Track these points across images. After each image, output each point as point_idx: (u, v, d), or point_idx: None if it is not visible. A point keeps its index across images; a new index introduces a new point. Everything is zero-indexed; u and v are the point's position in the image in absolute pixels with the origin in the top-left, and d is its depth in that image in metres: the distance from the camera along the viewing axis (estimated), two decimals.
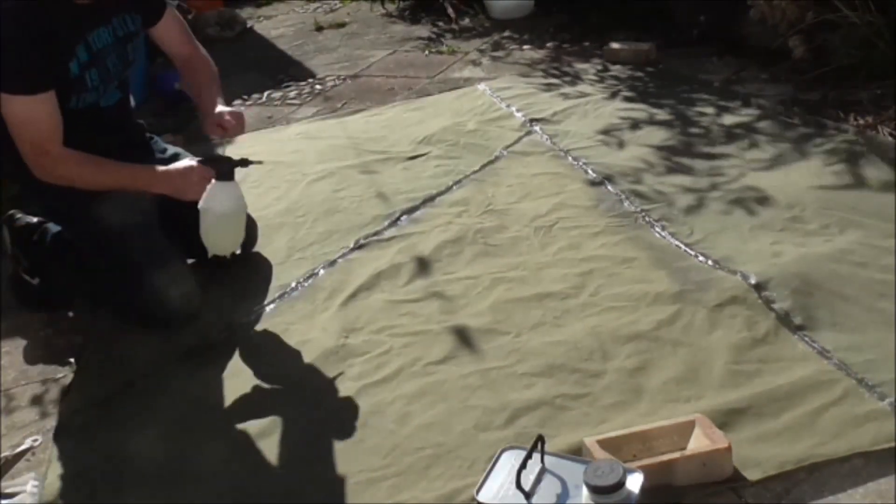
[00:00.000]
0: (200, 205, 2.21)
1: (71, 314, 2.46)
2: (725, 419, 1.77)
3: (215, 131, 2.35)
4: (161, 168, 2.28)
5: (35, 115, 2.13)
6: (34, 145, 2.15)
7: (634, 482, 1.49)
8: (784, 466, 1.65)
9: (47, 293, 2.44)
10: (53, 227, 2.43)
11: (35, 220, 2.45)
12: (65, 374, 2.20)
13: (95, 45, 2.24)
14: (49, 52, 2.12)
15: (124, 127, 2.47)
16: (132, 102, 2.63)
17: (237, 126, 2.34)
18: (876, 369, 1.88)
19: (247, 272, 2.53)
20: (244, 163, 2.25)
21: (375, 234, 2.70)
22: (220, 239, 2.30)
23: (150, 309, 2.26)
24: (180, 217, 2.32)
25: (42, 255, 2.41)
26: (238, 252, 2.38)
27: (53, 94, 2.14)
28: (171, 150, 2.57)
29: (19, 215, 2.44)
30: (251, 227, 2.60)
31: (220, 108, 2.36)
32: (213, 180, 2.20)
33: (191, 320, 2.30)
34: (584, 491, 1.47)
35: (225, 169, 2.23)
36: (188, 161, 2.30)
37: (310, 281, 2.48)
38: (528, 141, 3.31)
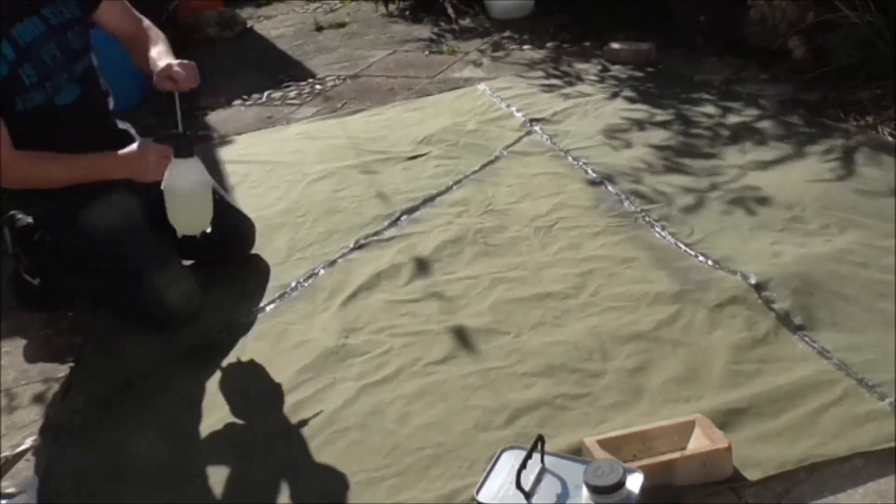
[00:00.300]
0: (163, 185, 2.12)
1: (71, 314, 2.46)
2: (725, 419, 1.77)
3: (165, 84, 2.21)
4: (117, 153, 2.20)
5: None
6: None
7: (634, 482, 1.49)
8: (784, 466, 1.65)
9: (47, 293, 2.44)
10: None
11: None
12: (65, 374, 2.20)
13: (23, 39, 2.15)
14: None
15: (93, 125, 2.39)
16: (111, 101, 2.52)
17: (188, 77, 2.20)
18: (876, 369, 1.88)
19: (247, 272, 2.54)
20: (204, 138, 2.15)
21: (375, 234, 2.70)
22: (186, 218, 2.19)
23: (151, 310, 2.26)
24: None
25: (43, 254, 2.40)
26: (209, 231, 2.22)
27: None
28: None
29: (20, 215, 2.44)
30: (248, 227, 2.61)
31: (168, 60, 2.25)
32: (173, 158, 2.11)
33: (191, 320, 2.30)
34: (584, 491, 1.47)
35: (182, 145, 2.12)
36: (143, 142, 2.21)
37: (310, 281, 2.48)
38: (528, 141, 3.32)
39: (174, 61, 2.24)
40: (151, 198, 2.22)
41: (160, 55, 2.31)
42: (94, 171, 2.21)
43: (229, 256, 2.55)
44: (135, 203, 2.33)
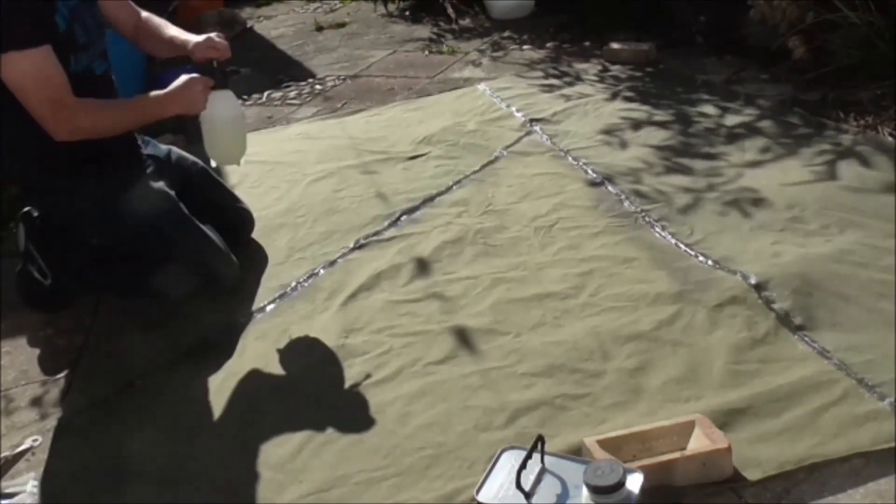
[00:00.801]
0: (202, 115, 2.28)
1: (71, 314, 2.46)
2: (725, 419, 1.77)
3: (209, 53, 2.32)
4: (167, 90, 2.29)
5: (46, 69, 2.10)
6: (52, 101, 2.12)
7: (634, 482, 1.49)
8: (784, 466, 1.65)
9: (55, 293, 2.44)
10: None
11: None
12: (65, 374, 2.20)
13: (69, 1, 2.20)
14: (35, 6, 2.10)
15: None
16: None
17: (226, 48, 2.35)
18: (876, 369, 1.88)
19: (246, 272, 2.53)
20: (234, 72, 2.35)
21: (375, 234, 2.70)
22: (226, 146, 2.35)
23: (207, 281, 2.37)
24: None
25: (59, 252, 2.41)
26: (241, 163, 2.43)
27: (51, 48, 2.12)
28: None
29: (36, 213, 2.45)
30: (245, 211, 2.68)
31: (194, 36, 2.38)
32: (211, 91, 2.27)
33: (238, 287, 2.43)
34: (584, 491, 1.47)
35: (220, 77, 2.28)
36: (185, 75, 2.29)
37: (310, 281, 2.48)
38: (527, 141, 3.32)
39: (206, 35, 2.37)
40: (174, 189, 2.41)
41: (182, 33, 2.44)
42: (151, 110, 2.32)
43: (231, 240, 2.55)
44: (166, 189, 2.42)
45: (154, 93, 2.30)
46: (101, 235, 2.39)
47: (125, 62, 2.56)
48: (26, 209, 2.46)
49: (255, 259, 2.61)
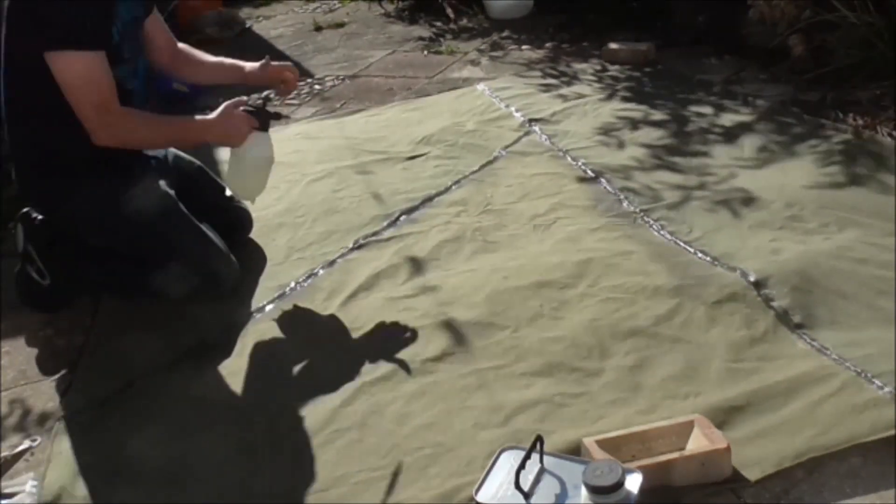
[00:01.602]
0: (237, 152, 2.36)
1: (71, 314, 2.46)
2: (724, 417, 1.77)
3: (279, 88, 2.53)
4: (209, 117, 2.34)
5: (98, 73, 2.14)
6: (99, 105, 2.16)
7: (633, 482, 1.49)
8: (783, 462, 1.65)
9: (54, 293, 2.44)
10: None
11: None
12: (65, 375, 2.20)
13: (123, 17, 2.25)
14: (101, 12, 2.16)
15: None
16: None
17: (296, 79, 2.56)
18: (875, 362, 1.89)
19: (246, 272, 2.53)
20: (277, 116, 2.44)
21: (374, 234, 2.70)
22: (250, 185, 2.46)
23: (204, 287, 2.36)
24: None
25: (58, 252, 2.41)
26: (254, 203, 2.57)
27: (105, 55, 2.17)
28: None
29: (35, 214, 2.45)
30: (244, 211, 2.70)
31: (257, 63, 2.51)
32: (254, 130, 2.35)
33: (237, 287, 2.43)
34: (583, 491, 1.47)
35: (265, 119, 2.37)
36: (228, 107, 2.35)
37: (309, 281, 2.48)
38: (526, 141, 3.32)
39: (274, 64, 2.52)
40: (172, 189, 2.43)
41: (237, 62, 2.58)
42: (191, 134, 2.41)
43: (230, 240, 2.55)
44: (166, 189, 2.43)
45: (199, 117, 2.38)
46: (101, 236, 2.39)
47: None
48: (25, 210, 2.46)
49: (253, 259, 2.60)
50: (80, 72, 2.13)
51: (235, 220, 2.68)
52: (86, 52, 2.12)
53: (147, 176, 2.44)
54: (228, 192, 2.62)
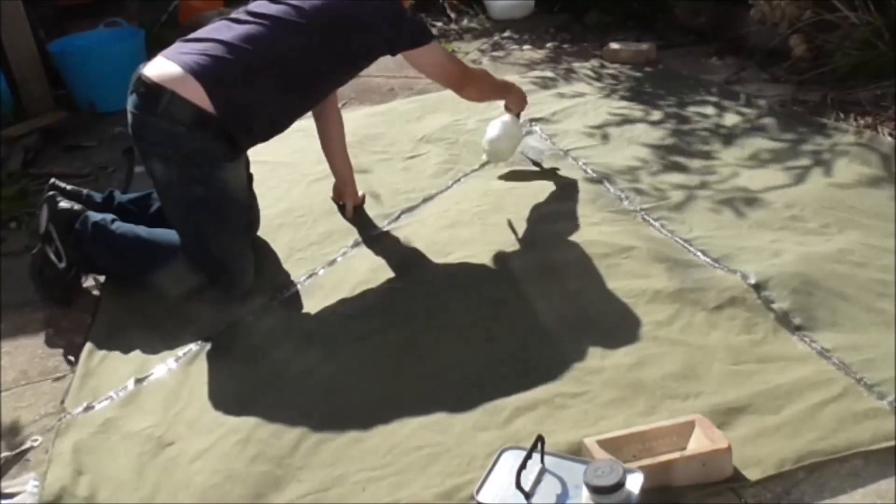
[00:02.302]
0: (507, 120, 2.90)
1: (70, 314, 2.46)
2: (724, 418, 1.77)
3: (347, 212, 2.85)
4: (514, 85, 2.91)
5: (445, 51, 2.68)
6: (462, 70, 2.64)
7: (634, 482, 1.49)
8: (784, 464, 1.65)
9: (66, 279, 2.47)
10: (94, 216, 2.46)
11: (78, 207, 2.47)
12: (65, 374, 2.20)
13: None
14: None
15: None
16: None
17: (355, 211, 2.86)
18: (875, 368, 1.89)
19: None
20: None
21: (375, 233, 2.70)
22: (510, 148, 2.94)
23: (217, 285, 2.41)
24: None
25: (83, 241, 2.43)
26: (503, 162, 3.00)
27: None
28: None
29: (60, 198, 2.47)
30: (256, 216, 2.71)
31: (350, 185, 2.90)
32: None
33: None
34: (584, 491, 1.47)
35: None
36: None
37: (310, 280, 2.48)
38: (527, 140, 3.31)
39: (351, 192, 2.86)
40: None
41: (343, 168, 2.89)
42: (500, 88, 2.88)
43: None
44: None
45: (508, 82, 2.95)
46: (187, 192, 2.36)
47: (127, 59, 2.55)
48: (50, 193, 2.47)
49: (257, 258, 2.60)
50: (443, 53, 2.64)
51: (252, 217, 2.67)
52: (435, 42, 2.61)
53: (244, 157, 2.51)
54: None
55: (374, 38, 2.45)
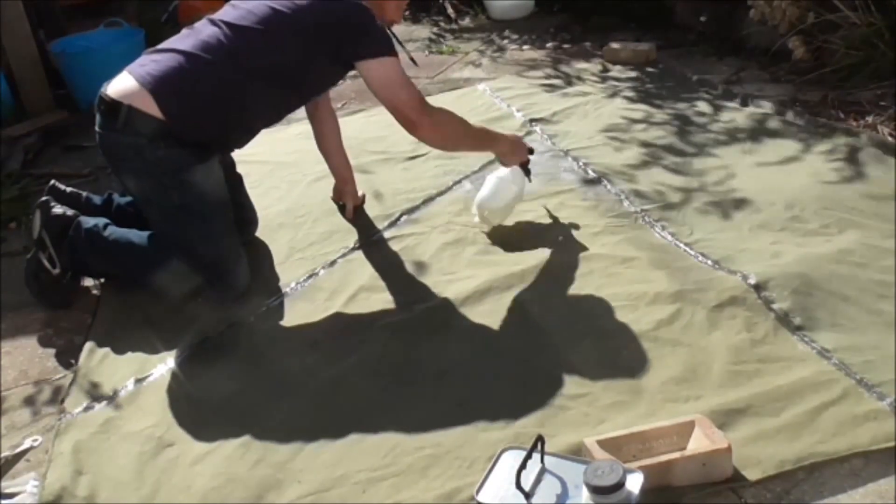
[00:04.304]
0: (503, 175, 2.60)
1: (70, 314, 2.46)
2: (725, 419, 1.77)
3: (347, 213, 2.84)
4: (502, 133, 2.63)
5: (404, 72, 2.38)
6: (420, 98, 2.37)
7: (634, 482, 1.49)
8: (784, 466, 1.65)
9: (60, 284, 2.47)
10: (86, 222, 2.45)
11: (71, 212, 2.47)
12: (64, 374, 2.20)
13: None
14: None
15: None
16: None
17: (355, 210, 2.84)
18: (875, 370, 1.89)
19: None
20: (529, 172, 2.67)
21: (375, 234, 2.70)
22: (503, 209, 2.60)
23: (214, 291, 2.40)
24: None
25: (77, 248, 2.43)
26: (495, 223, 2.65)
27: None
28: None
29: (54, 203, 2.47)
30: (253, 216, 2.72)
31: (350, 180, 2.90)
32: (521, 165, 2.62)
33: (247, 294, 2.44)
34: (584, 491, 1.47)
35: (527, 162, 2.64)
36: (518, 137, 2.69)
37: (310, 281, 2.48)
38: (527, 141, 3.31)
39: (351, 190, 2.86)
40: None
41: (341, 168, 2.88)
42: (486, 142, 2.59)
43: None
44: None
45: (493, 131, 2.62)
46: (169, 197, 2.36)
47: (127, 59, 2.54)
48: (44, 198, 2.47)
49: (257, 259, 2.60)
50: (400, 71, 2.36)
51: (246, 219, 2.68)
52: (395, 57, 2.38)
53: (216, 159, 2.46)
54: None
55: (337, 43, 2.33)
